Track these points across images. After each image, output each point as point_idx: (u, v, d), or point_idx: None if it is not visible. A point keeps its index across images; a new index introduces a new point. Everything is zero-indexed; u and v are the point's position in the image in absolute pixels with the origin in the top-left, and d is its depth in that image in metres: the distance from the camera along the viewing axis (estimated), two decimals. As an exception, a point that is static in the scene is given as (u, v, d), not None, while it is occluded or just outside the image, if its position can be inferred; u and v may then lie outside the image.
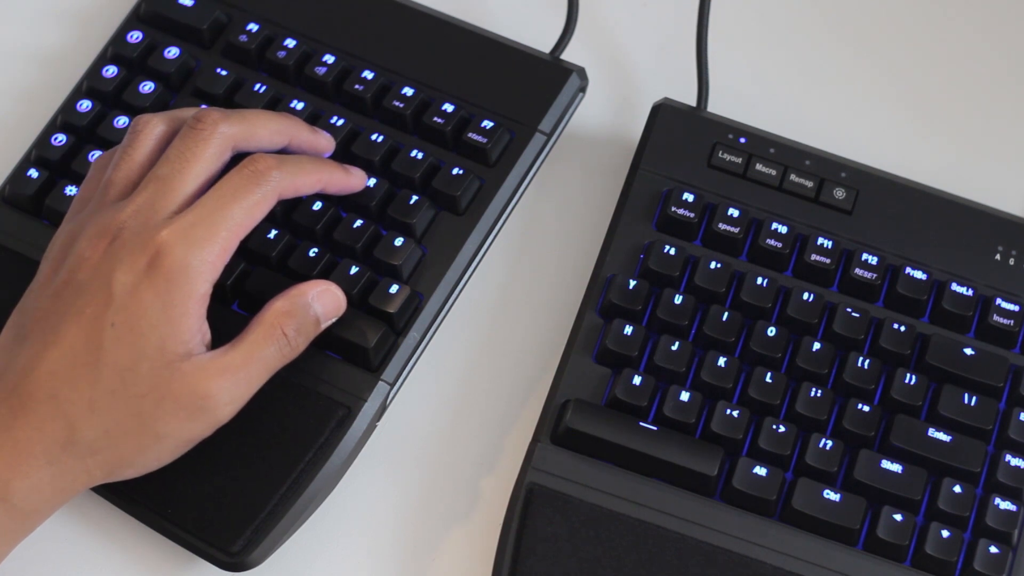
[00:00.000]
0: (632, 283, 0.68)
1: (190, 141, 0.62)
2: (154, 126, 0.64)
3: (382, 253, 0.67)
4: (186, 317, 0.59)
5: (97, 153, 0.70)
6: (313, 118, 0.71)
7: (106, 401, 0.58)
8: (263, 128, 0.64)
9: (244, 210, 0.61)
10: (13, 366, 0.59)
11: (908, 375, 0.66)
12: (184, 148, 0.62)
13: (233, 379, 0.60)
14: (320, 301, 0.64)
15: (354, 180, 0.67)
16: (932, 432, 0.65)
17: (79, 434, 0.58)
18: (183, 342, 0.59)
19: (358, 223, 0.68)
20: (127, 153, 0.63)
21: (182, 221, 0.60)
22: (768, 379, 0.66)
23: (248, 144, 0.64)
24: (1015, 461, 0.64)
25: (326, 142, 0.68)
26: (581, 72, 0.73)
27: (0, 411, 0.58)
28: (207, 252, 0.60)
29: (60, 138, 0.72)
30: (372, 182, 0.69)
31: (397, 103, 0.71)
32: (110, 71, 0.73)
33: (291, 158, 0.64)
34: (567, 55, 0.75)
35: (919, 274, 0.68)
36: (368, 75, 0.72)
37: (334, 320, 0.65)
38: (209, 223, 0.60)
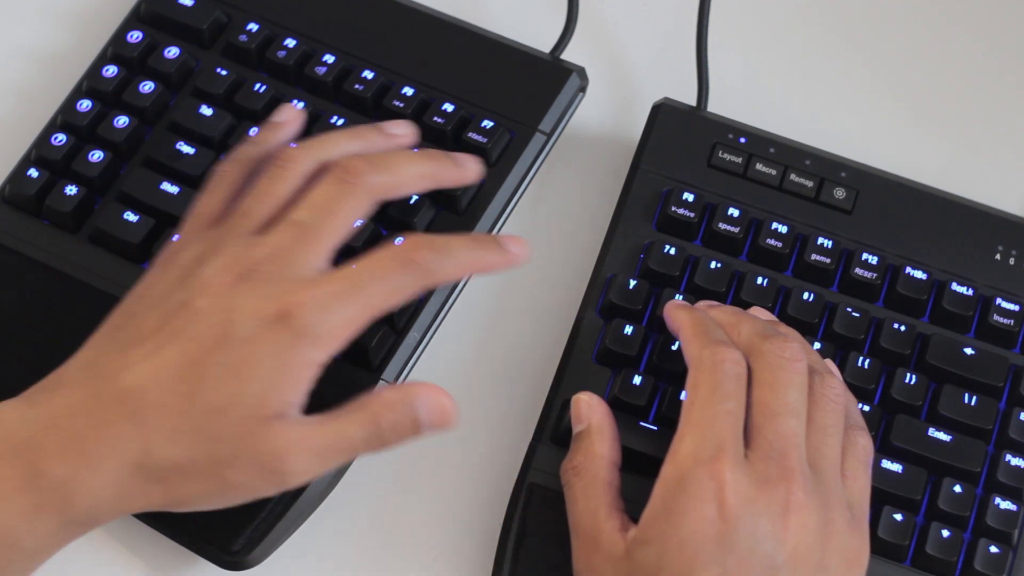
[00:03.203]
0: (632, 283, 0.68)
1: (334, 190, 0.60)
2: (302, 163, 0.62)
3: (382, 253, 0.67)
4: (296, 381, 0.57)
5: (98, 153, 0.70)
6: (313, 118, 0.71)
7: (188, 437, 0.56)
8: (408, 175, 0.63)
9: (384, 294, 0.59)
10: (105, 369, 0.57)
11: (908, 375, 0.66)
12: (328, 197, 0.60)
13: (314, 455, 0.57)
14: (427, 407, 0.59)
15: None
16: (932, 432, 0.65)
17: (152, 460, 0.56)
18: (283, 403, 0.57)
19: (358, 223, 0.68)
20: (271, 187, 0.61)
21: (324, 289, 0.57)
22: (768, 379, 0.66)
23: (392, 195, 0.63)
24: (1015, 461, 0.64)
25: (473, 173, 0.66)
26: (581, 72, 0.73)
27: (78, 418, 0.56)
28: (339, 328, 0.57)
29: (60, 138, 0.71)
30: (372, 182, 0.69)
31: (397, 103, 0.71)
32: (110, 71, 0.73)
33: (450, 247, 0.61)
34: (567, 55, 0.75)
35: (919, 274, 0.68)
36: (368, 75, 0.72)
37: (436, 432, 0.60)
38: (350, 299, 0.58)
